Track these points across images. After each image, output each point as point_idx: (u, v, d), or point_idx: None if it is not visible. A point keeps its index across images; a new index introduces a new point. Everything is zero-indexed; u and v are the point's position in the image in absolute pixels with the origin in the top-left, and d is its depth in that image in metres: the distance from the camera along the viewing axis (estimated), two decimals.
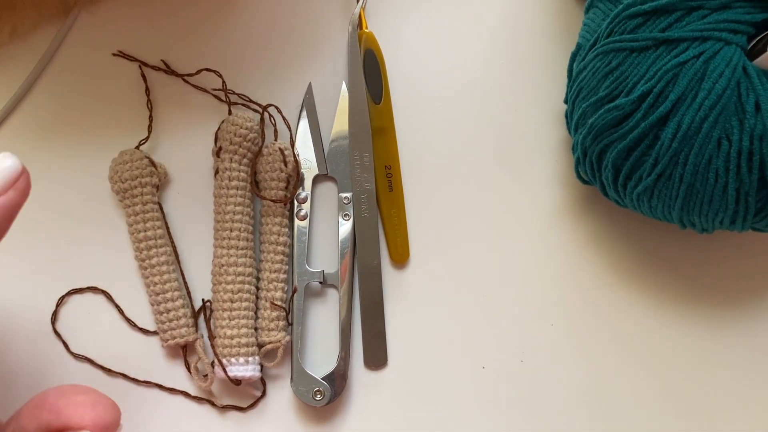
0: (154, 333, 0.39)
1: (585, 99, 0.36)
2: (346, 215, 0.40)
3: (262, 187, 0.40)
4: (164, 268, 0.39)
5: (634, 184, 0.36)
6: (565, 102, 0.39)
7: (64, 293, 0.39)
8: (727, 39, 0.34)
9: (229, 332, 0.38)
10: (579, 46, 0.38)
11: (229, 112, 0.40)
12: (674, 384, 0.39)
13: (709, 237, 0.40)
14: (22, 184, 0.27)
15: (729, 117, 0.33)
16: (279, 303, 0.38)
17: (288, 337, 0.38)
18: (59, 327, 0.39)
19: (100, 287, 0.39)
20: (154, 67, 0.41)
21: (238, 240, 0.38)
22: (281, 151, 0.39)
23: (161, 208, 0.40)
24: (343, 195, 0.40)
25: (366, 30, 0.42)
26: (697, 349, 0.39)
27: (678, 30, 0.34)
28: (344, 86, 0.41)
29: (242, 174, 0.39)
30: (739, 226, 0.36)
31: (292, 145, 0.40)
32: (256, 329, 0.38)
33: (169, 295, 0.38)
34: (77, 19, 0.42)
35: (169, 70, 0.42)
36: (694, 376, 0.39)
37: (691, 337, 0.39)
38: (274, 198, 0.39)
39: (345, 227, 0.40)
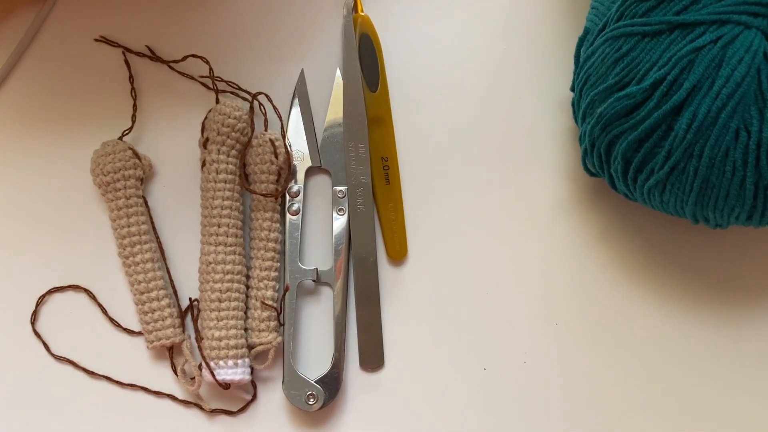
0: (139, 334, 0.38)
1: (593, 87, 0.35)
2: (340, 210, 0.38)
3: (251, 181, 0.38)
4: (149, 265, 0.37)
5: (645, 178, 0.34)
6: (572, 90, 0.38)
7: (44, 292, 0.38)
8: (747, 22, 0.32)
9: (216, 333, 0.36)
10: (587, 31, 0.37)
11: (217, 101, 0.39)
12: (685, 385, 0.37)
13: (723, 232, 0.39)
14: None
15: (748, 106, 0.32)
16: (270, 302, 0.37)
17: (279, 338, 0.37)
18: (39, 327, 0.38)
19: (82, 285, 0.38)
20: (138, 54, 0.40)
21: (227, 236, 0.37)
22: (272, 141, 0.38)
23: (146, 203, 0.38)
24: (338, 188, 0.39)
25: (362, 13, 0.40)
26: (710, 349, 0.38)
27: (694, 13, 0.32)
28: (338, 73, 0.40)
29: (230, 166, 0.38)
30: (756, 222, 0.34)
31: (284, 136, 0.39)
32: (245, 330, 0.37)
33: (154, 294, 0.37)
34: (56, 3, 0.41)
35: (154, 57, 0.40)
36: (706, 376, 0.37)
37: (703, 337, 0.38)
38: (264, 192, 0.38)
39: (339, 222, 0.38)
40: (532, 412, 0.37)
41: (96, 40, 0.40)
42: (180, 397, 0.37)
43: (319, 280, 0.38)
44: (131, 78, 0.40)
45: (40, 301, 0.38)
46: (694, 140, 0.32)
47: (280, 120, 0.39)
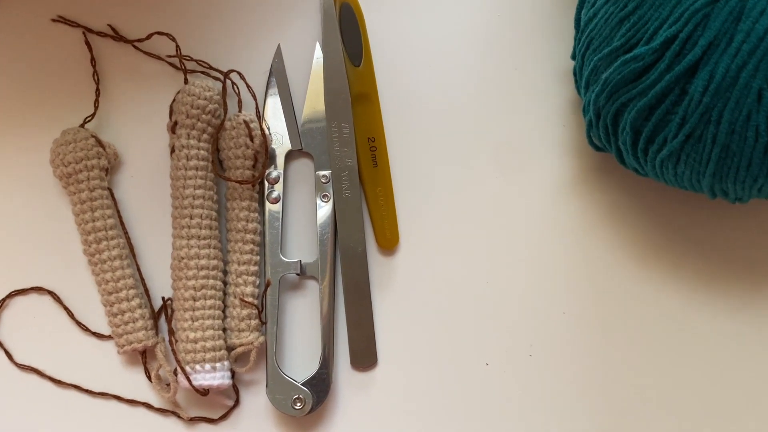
0: (110, 338, 0.36)
1: (597, 51, 0.33)
2: (324, 196, 0.37)
3: (226, 167, 0.36)
4: (117, 263, 0.35)
5: (658, 149, 0.32)
6: (573, 57, 0.36)
7: (4, 295, 0.36)
8: None
9: (192, 335, 0.34)
10: None
11: (185, 81, 0.37)
12: (704, 376, 0.36)
13: (743, 207, 0.37)
14: None
15: None
16: (250, 299, 0.35)
17: (261, 338, 0.35)
18: (1, 334, 0.36)
19: (45, 287, 0.36)
20: (99, 33, 0.38)
21: (200, 228, 0.35)
22: (246, 123, 0.36)
23: (112, 195, 0.36)
24: (321, 173, 0.37)
25: None
26: (729, 337, 0.36)
27: None
28: (318, 47, 0.38)
29: (202, 152, 0.35)
30: None
31: (260, 117, 0.37)
32: (224, 330, 0.35)
33: (123, 294, 0.35)
34: None
35: (117, 36, 0.38)
36: (727, 366, 0.36)
37: (724, 323, 0.36)
38: (239, 179, 0.35)
39: (324, 210, 0.36)
40: (540, 409, 0.35)
41: (53, 20, 0.38)
42: (156, 405, 0.35)
43: (303, 273, 0.36)
44: (93, 60, 0.38)
45: (1, 305, 0.36)
46: (712, 104, 0.30)
47: (255, 100, 0.37)
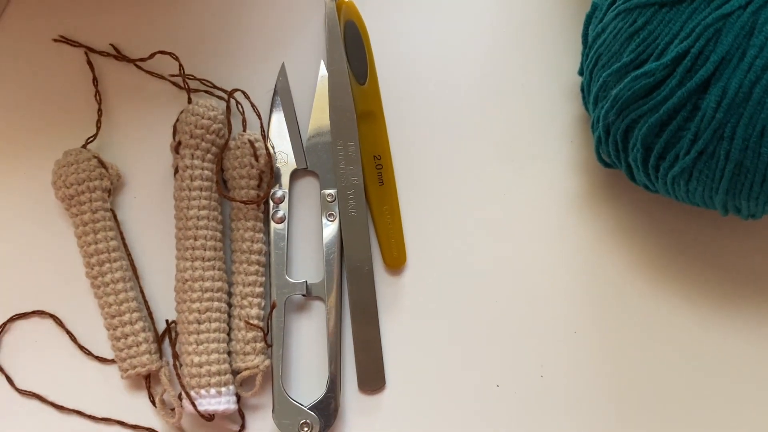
0: (113, 362, 0.35)
1: (605, 67, 0.32)
2: (330, 215, 0.36)
3: (230, 187, 0.35)
4: (120, 285, 0.35)
5: (669, 165, 0.32)
6: (580, 73, 0.36)
7: (5, 319, 0.36)
8: None
9: (196, 359, 0.33)
10: (595, 6, 0.34)
11: (189, 101, 0.36)
12: (717, 395, 0.35)
13: (756, 224, 0.36)
14: None
15: None
16: (255, 322, 0.34)
17: (267, 362, 0.34)
18: (2, 359, 0.35)
19: (47, 311, 0.36)
20: (102, 53, 0.38)
21: (204, 250, 0.34)
22: (251, 143, 0.35)
23: (115, 216, 0.36)
24: (327, 192, 0.36)
25: None
26: (744, 354, 0.35)
27: None
28: (323, 66, 0.37)
29: (206, 172, 0.35)
30: None
31: (264, 137, 0.36)
32: (229, 353, 0.34)
33: (126, 317, 0.34)
34: (10, 2, 0.38)
35: (119, 56, 0.38)
36: (745, 389, 0.35)
37: (738, 341, 0.35)
38: (244, 199, 0.35)
39: (330, 229, 0.36)
40: (551, 430, 0.34)
41: (55, 40, 0.38)
42: (160, 430, 0.34)
43: (309, 294, 0.35)
44: (95, 80, 0.37)
45: (2, 329, 0.35)
46: (725, 120, 0.29)
47: (260, 119, 0.36)
